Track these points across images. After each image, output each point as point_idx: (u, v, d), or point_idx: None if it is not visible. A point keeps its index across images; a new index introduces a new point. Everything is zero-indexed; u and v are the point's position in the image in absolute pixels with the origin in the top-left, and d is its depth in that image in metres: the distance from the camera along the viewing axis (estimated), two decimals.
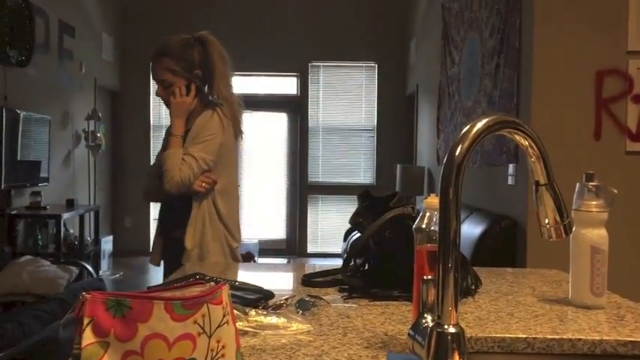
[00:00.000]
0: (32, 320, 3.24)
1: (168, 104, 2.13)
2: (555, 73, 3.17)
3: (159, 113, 7.59)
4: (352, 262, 1.56)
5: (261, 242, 7.40)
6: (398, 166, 6.48)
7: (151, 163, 2.33)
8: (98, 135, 6.35)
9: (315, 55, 7.56)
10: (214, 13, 7.40)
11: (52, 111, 5.38)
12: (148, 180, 2.20)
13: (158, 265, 2.23)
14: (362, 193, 1.61)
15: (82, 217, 5.57)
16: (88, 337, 0.67)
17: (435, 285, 0.77)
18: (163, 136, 2.28)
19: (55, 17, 5.50)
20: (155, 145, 7.58)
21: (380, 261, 1.49)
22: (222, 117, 2.12)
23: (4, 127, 4.30)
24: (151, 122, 7.57)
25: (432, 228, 1.03)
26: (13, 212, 4.57)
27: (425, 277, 0.89)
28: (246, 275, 1.97)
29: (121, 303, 0.69)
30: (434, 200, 1.02)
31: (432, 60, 5.78)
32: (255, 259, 7.02)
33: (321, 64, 7.63)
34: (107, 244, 6.48)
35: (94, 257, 5.96)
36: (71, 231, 5.47)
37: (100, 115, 6.36)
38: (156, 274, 6.76)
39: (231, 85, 2.20)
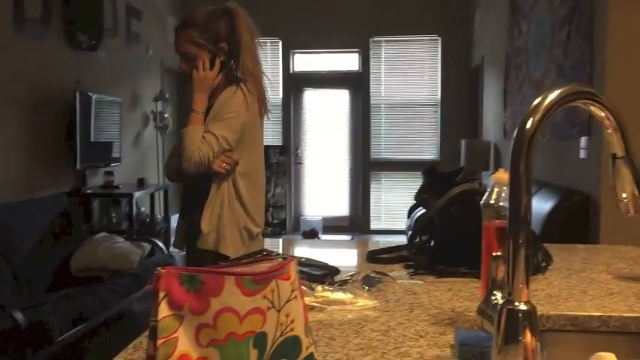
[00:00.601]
0: (108, 294, 3.40)
1: (191, 79, 2.01)
2: (630, 39, 3.00)
3: None
4: (418, 239, 1.55)
5: (324, 219, 7.46)
6: (463, 141, 6.35)
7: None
8: (165, 116, 6.52)
9: (376, 30, 7.46)
10: None
11: (121, 93, 5.56)
12: (171, 159, 2.09)
13: (182, 249, 2.10)
14: (427, 169, 1.59)
15: (152, 196, 5.76)
16: (163, 310, 0.69)
17: (505, 261, 0.75)
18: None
19: (123, 1, 5.66)
20: None
21: (446, 237, 1.47)
22: (246, 93, 1.95)
23: (78, 110, 4.48)
24: None
25: (501, 204, 1.00)
26: (88, 191, 4.78)
27: (494, 254, 0.87)
28: (311, 251, 1.99)
29: (194, 278, 0.71)
30: (503, 175, 0.99)
31: (499, 31, 5.59)
32: (319, 235, 7.09)
33: (382, 39, 7.52)
34: (176, 221, 6.68)
35: (165, 234, 6.16)
36: (142, 209, 5.68)
37: (166, 96, 6.52)
38: None
39: (258, 61, 2.03)
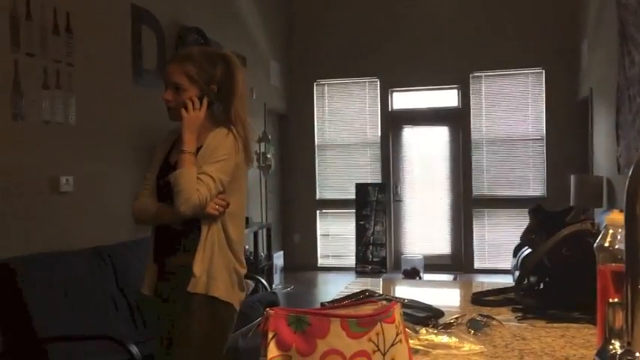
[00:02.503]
0: None
1: (171, 109, 2.06)
2: None
3: (323, 134, 7.88)
4: (526, 281, 1.49)
5: (425, 258, 7.32)
6: (572, 176, 6.06)
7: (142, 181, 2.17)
8: (268, 156, 6.74)
9: (476, 65, 7.36)
10: (374, 35, 7.53)
11: None
12: (144, 200, 2.07)
13: (150, 294, 2.07)
14: (534, 208, 1.54)
15: (255, 234, 5.93)
16: (272, 350, 0.72)
17: (624, 308, 0.71)
18: (160, 151, 2.13)
19: (229, 49, 5.97)
20: (320, 164, 7.87)
21: (557, 280, 1.41)
22: (237, 137, 2.02)
23: None
24: (316, 142, 7.87)
25: (617, 246, 0.95)
26: None
27: (611, 300, 0.83)
28: (412, 292, 1.97)
29: (301, 319, 0.73)
30: (618, 216, 0.95)
31: (608, 61, 5.35)
32: (421, 274, 6.96)
33: (482, 74, 7.41)
34: (278, 259, 6.84)
35: (268, 272, 6.31)
36: (246, 247, 5.86)
37: (269, 137, 6.75)
38: (325, 288, 6.99)
39: (248, 111, 2.11)
